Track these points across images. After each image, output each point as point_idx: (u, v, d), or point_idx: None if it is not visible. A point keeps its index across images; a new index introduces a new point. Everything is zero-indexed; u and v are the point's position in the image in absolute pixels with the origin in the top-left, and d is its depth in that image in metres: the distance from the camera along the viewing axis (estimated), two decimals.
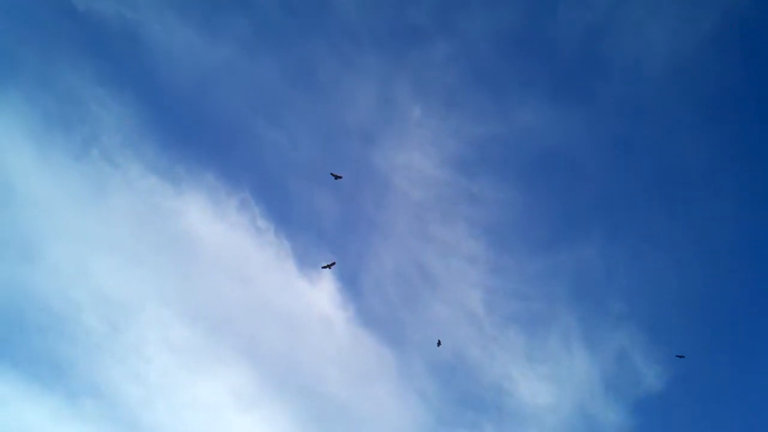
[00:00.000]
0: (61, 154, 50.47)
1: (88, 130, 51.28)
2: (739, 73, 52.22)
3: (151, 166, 52.11)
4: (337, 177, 40.00)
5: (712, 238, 53.49)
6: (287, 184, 54.44)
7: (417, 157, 54.71)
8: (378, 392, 55.21)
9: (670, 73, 52.74)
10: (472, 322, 55.12)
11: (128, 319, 52.32)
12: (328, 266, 40.70)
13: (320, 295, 54.91)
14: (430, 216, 56.35)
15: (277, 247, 54.32)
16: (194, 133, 54.27)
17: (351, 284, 56.25)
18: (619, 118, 53.72)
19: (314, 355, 54.82)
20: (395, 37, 54.15)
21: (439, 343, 47.64)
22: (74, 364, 49.23)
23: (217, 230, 53.68)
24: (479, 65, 54.16)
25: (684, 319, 52.61)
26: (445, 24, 53.48)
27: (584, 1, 52.88)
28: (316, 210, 55.44)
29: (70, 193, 51.26)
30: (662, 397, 51.09)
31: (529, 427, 52.33)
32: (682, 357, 43.15)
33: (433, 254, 56.32)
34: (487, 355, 54.28)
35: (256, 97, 54.32)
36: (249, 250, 54.19)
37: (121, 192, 52.22)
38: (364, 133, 54.01)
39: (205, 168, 53.32)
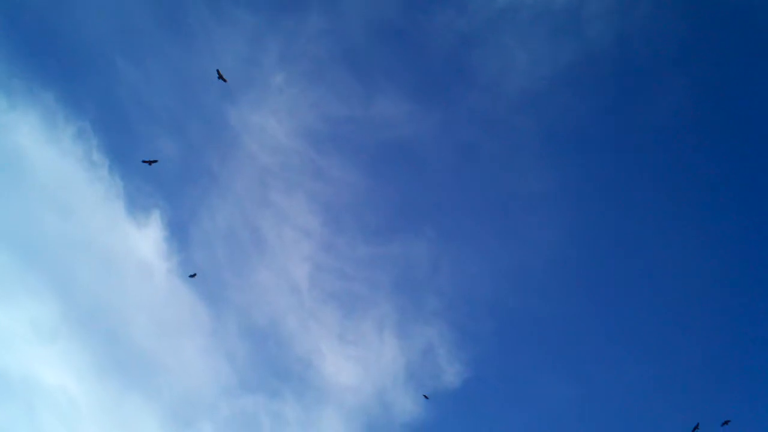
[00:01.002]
0: None
1: None
2: (586, 107, 55.77)
3: None
4: (222, 78, 38.14)
5: (531, 259, 56.70)
6: (132, 122, 52.90)
7: (272, 122, 54.74)
8: (186, 347, 54.85)
9: (526, 95, 55.58)
10: (293, 293, 55.89)
11: None
12: (149, 162, 38.49)
13: (145, 241, 53.82)
14: (273, 182, 56.52)
15: (108, 184, 52.73)
16: (42, 50, 51.58)
17: (179, 235, 55.51)
18: (472, 126, 56.11)
19: (127, 300, 53.67)
20: None
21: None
22: None
23: (46, 154, 51.41)
24: (350, 46, 54.91)
25: (491, 327, 55.61)
26: None
27: (462, 11, 54.79)
28: (156, 153, 54.20)
29: None
30: (458, 394, 53.81)
31: (328, 403, 53.63)
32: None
33: (268, 220, 56.59)
34: (301, 328, 55.19)
35: (118, 28, 52.42)
36: (78, 182, 52.26)
37: None
38: (224, 88, 53.25)
39: (46, 87, 50.90)
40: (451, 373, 53.36)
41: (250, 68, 54.39)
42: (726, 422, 39.94)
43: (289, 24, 54.56)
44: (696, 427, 39.38)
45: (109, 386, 52.20)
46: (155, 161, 38.52)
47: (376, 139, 57.82)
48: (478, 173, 57.73)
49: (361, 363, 54.69)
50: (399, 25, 55.80)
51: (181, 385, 53.64)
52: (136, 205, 53.09)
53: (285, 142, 55.38)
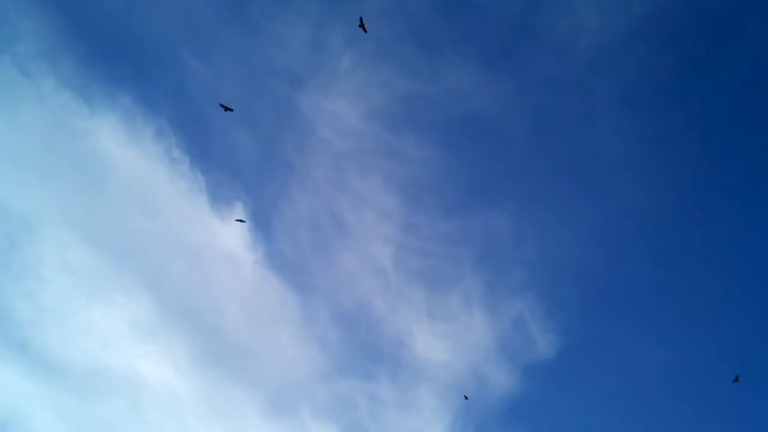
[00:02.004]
0: None
1: (2, 35, 49.03)
2: (664, 62, 53.68)
3: (67, 81, 50.11)
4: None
5: (617, 222, 55.30)
6: (207, 117, 53.34)
7: (342, 106, 54.45)
8: (279, 336, 55.57)
9: (599, 54, 53.82)
10: (378, 275, 55.91)
11: (28, 236, 50.83)
12: (226, 108, 38.24)
13: (230, 233, 54.51)
14: (348, 166, 56.44)
15: (190, 180, 53.44)
16: (115, 53, 52.33)
17: (262, 226, 56.09)
18: (545, 92, 54.65)
19: (217, 293, 54.62)
20: None
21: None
22: None
23: (129, 156, 52.32)
24: (413, 21, 53.98)
25: (580, 294, 54.64)
26: None
27: None
28: (234, 147, 54.64)
29: None
30: (551, 365, 53.15)
31: (422, 381, 53.64)
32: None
33: (347, 204, 56.59)
34: (389, 309, 55.23)
35: (184, 25, 52.70)
36: (161, 181, 53.13)
37: (32, 104, 50.18)
38: (293, 76, 53.32)
39: (122, 90, 51.59)
40: (544, 344, 52.78)
41: (317, 53, 54.12)
42: (736, 379, 40.87)
43: (352, 5, 53.96)
44: (736, 379, 40.84)
45: (209, 378, 53.37)
46: (232, 109, 38.60)
47: (449, 113, 56.98)
48: (555, 138, 56.43)
49: (451, 339, 54.54)
50: None
51: (277, 372, 54.52)
52: (218, 199, 53.78)
53: (357, 124, 55.13)
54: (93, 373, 50.90)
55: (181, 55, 53.36)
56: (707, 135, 54.07)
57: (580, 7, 53.11)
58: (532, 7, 53.60)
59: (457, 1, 54.67)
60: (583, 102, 55.13)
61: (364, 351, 54.61)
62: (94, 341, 51.44)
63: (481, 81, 55.31)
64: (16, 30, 49.45)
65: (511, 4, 53.73)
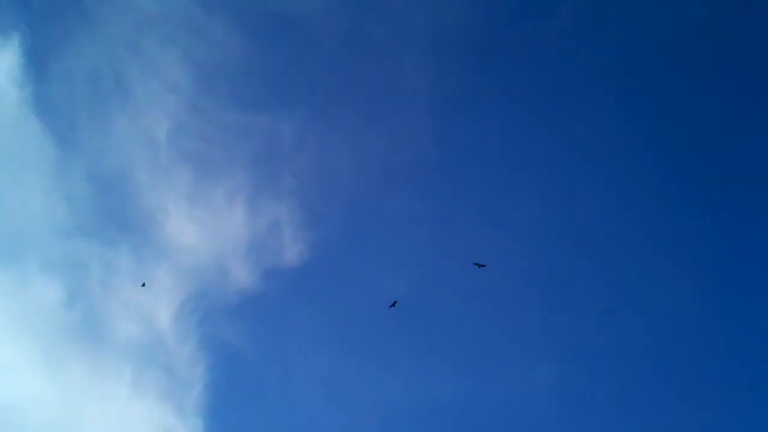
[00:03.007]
0: None
1: None
2: None
3: None
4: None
5: (393, 150, 56.20)
6: None
7: None
8: (24, 183, 52.55)
9: None
10: (149, 147, 54.01)
11: None
12: None
13: None
14: (149, 30, 53.62)
15: None
16: None
17: (38, 65, 52.51)
18: (363, 11, 54.37)
19: None
20: None
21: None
22: None
23: None
24: None
25: (343, 216, 55.63)
26: None
27: None
28: None
29: None
30: (295, 273, 53.94)
31: (165, 260, 52.85)
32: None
33: (135, 68, 54.02)
34: (151, 183, 53.71)
35: None
36: None
37: None
38: None
39: None
40: (293, 253, 53.44)
41: None
42: (481, 265, 43.76)
43: None
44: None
45: None
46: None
47: (268, 8, 55.33)
48: (362, 63, 56.52)
49: (206, 228, 54.07)
50: None
51: (12, 219, 51.75)
52: None
53: None
54: None
55: None
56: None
57: None
58: None
59: None
60: (395, 30, 55.38)
61: (113, 218, 53.08)
62: None
63: None
64: None
65: None
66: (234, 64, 55.49)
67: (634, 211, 53.59)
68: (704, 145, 54.27)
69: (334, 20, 55.21)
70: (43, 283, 50.82)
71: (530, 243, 52.82)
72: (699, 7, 53.43)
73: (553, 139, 55.87)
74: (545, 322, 51.12)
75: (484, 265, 45.67)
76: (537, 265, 52.91)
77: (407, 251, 54.24)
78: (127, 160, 53.44)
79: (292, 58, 55.96)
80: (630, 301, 51.76)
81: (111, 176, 53.21)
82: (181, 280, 52.61)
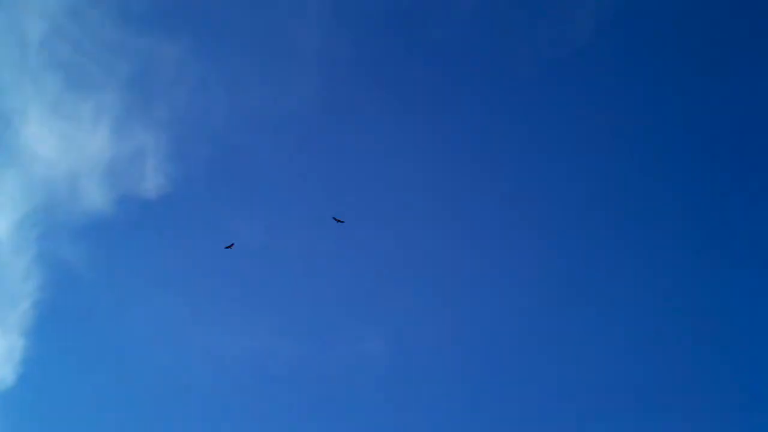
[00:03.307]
0: None
1: None
2: None
3: None
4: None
5: (283, 103, 54.38)
6: None
7: None
8: None
9: None
10: (19, 47, 50.74)
11: None
12: None
13: None
14: None
15: None
16: None
17: None
18: None
19: None
20: None
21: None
22: None
23: None
24: None
25: (207, 151, 53.64)
26: None
27: None
28: None
29: None
30: (151, 204, 51.91)
31: (13, 167, 50.36)
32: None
33: None
34: (13, 86, 50.75)
35: None
36: None
37: None
38: None
39: None
40: (153, 184, 51.36)
41: None
42: (340, 221, 44.01)
43: None
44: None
45: None
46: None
47: None
48: (261, 10, 54.13)
49: (65, 141, 51.37)
50: None
51: None
52: None
53: None
54: None
55: None
56: None
57: None
58: None
59: None
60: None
61: None
62: None
63: None
64: None
65: None
66: None
67: None
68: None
69: None
70: None
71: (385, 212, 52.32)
72: None
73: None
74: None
75: (342, 221, 44.91)
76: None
77: (267, 202, 52.93)
78: None
79: None
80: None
81: None
82: (29, 191, 50.30)
